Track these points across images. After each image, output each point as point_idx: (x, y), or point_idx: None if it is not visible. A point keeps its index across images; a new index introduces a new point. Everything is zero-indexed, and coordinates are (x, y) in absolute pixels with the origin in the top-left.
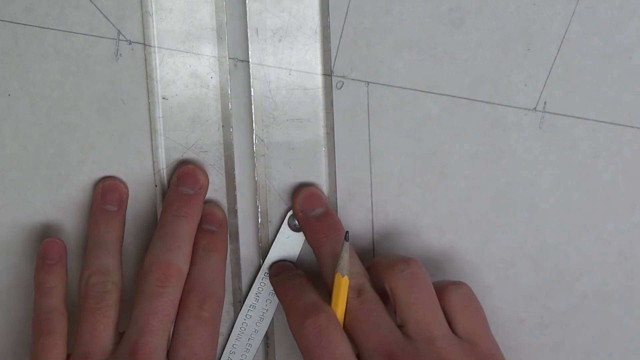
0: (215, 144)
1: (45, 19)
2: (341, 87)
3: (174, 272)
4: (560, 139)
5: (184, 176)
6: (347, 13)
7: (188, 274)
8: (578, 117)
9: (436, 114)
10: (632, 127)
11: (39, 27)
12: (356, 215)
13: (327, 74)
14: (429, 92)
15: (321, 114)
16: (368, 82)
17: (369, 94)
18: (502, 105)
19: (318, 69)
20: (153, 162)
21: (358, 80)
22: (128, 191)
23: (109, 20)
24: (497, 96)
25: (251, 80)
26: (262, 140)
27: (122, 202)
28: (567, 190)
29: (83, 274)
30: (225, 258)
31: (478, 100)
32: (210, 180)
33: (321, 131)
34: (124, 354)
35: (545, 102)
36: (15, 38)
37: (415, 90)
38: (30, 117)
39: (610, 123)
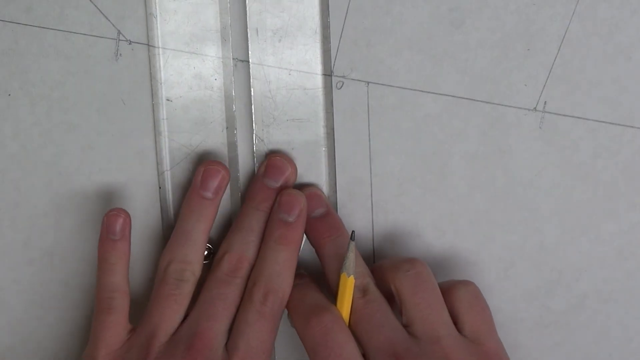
0: (219, 145)
1: (45, 19)
2: (341, 87)
3: (245, 264)
4: (560, 139)
5: (271, 168)
6: (347, 13)
7: (256, 264)
8: (578, 117)
9: (436, 114)
10: (632, 127)
11: (39, 27)
12: (356, 215)
13: (327, 74)
14: (429, 92)
15: (321, 114)
16: (368, 82)
17: (369, 94)
18: (502, 105)
19: (318, 69)
20: (157, 163)
21: (358, 80)
22: (228, 176)
23: (109, 20)
24: (497, 96)
25: (251, 80)
26: (262, 140)
27: (220, 190)
28: (567, 190)
29: (164, 258)
30: (297, 252)
31: (478, 100)
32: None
33: (321, 131)
34: (186, 335)
35: (545, 102)
36: (15, 38)
37: (415, 90)
38: (30, 117)
39: (610, 123)
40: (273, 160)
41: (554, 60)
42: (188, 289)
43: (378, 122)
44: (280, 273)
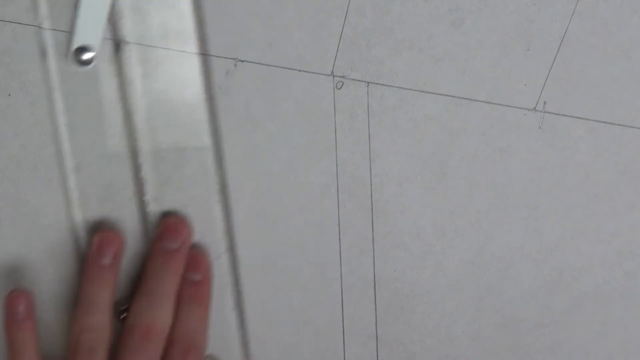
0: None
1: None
2: (341, 87)
3: (157, 329)
4: (560, 139)
5: (167, 231)
6: (347, 13)
7: (172, 324)
8: (578, 117)
9: (436, 114)
10: (632, 127)
11: (39, 27)
12: (356, 215)
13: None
14: (429, 92)
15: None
16: (368, 82)
17: (369, 94)
18: (502, 105)
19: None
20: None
21: (358, 80)
22: (123, 242)
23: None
24: (497, 96)
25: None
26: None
27: (118, 256)
28: (567, 190)
29: (74, 329)
30: (209, 308)
31: (478, 100)
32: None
33: (207, 139)
34: None
35: (545, 102)
36: (15, 38)
37: (415, 90)
38: (30, 117)
39: (610, 123)
40: (167, 224)
41: (554, 60)
42: (101, 355)
43: (378, 122)
44: (197, 329)
